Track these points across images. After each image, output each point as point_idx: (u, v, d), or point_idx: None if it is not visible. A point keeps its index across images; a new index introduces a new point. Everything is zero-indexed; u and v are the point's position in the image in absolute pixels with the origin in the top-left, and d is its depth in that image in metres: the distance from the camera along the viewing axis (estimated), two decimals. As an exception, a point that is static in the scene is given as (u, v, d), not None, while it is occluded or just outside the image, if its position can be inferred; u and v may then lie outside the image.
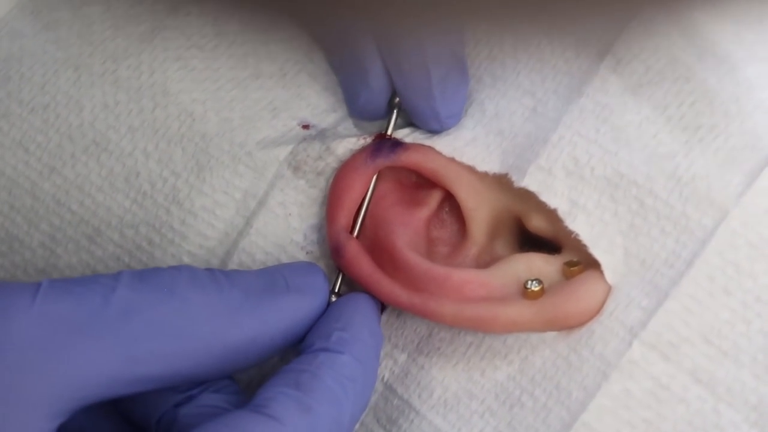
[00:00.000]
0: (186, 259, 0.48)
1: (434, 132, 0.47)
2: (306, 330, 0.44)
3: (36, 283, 0.41)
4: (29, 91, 0.49)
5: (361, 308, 0.45)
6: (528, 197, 0.45)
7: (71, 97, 0.48)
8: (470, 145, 0.46)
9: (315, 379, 0.42)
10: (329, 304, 0.46)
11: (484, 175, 0.46)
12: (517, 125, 0.46)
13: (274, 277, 0.44)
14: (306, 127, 0.48)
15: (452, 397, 0.45)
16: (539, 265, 0.45)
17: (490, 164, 0.46)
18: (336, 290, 0.47)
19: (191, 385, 0.44)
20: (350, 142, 0.47)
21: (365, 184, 0.46)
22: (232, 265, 0.48)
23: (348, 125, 0.48)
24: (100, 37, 0.49)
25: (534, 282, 0.44)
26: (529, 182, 0.45)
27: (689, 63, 0.45)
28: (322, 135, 0.48)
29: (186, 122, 0.48)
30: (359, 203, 0.47)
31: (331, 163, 0.47)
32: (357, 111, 0.48)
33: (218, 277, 0.43)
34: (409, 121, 0.48)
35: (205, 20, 0.49)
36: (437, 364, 0.46)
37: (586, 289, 0.44)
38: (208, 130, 0.48)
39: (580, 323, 0.44)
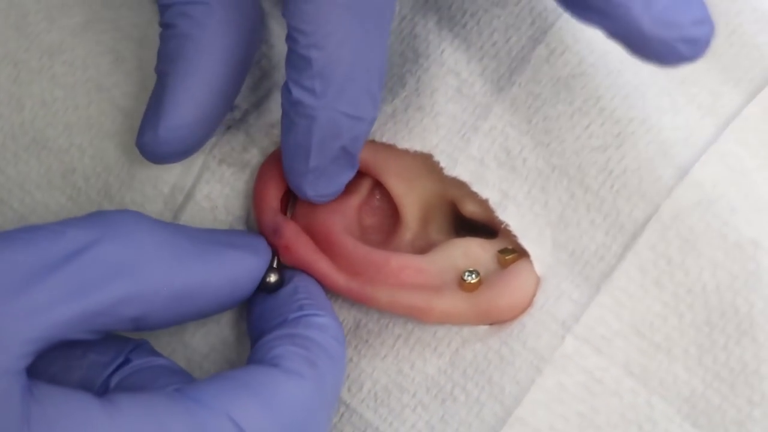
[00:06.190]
0: None
1: None
2: (251, 288, 0.44)
3: None
4: None
5: (312, 281, 0.45)
6: (461, 184, 0.45)
7: (12, 95, 0.48)
8: (390, 122, 0.46)
9: (308, 339, 0.42)
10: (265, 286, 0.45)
11: (412, 161, 0.46)
12: (439, 103, 0.46)
13: (217, 236, 0.44)
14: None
15: (382, 391, 0.45)
16: (476, 252, 0.45)
17: (410, 142, 0.45)
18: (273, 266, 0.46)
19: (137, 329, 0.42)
20: (274, 135, 0.47)
21: None
22: None
23: (271, 106, 0.47)
24: (35, 29, 0.48)
25: (471, 274, 0.44)
26: (460, 172, 0.45)
27: (622, 56, 0.44)
28: (245, 121, 0.47)
29: (118, 118, 0.47)
30: (288, 190, 0.46)
31: (256, 155, 0.47)
32: None
33: (164, 223, 0.42)
34: None
35: (139, 11, 0.48)
36: (366, 357, 0.46)
37: (518, 282, 0.44)
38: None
39: (513, 317, 0.44)
